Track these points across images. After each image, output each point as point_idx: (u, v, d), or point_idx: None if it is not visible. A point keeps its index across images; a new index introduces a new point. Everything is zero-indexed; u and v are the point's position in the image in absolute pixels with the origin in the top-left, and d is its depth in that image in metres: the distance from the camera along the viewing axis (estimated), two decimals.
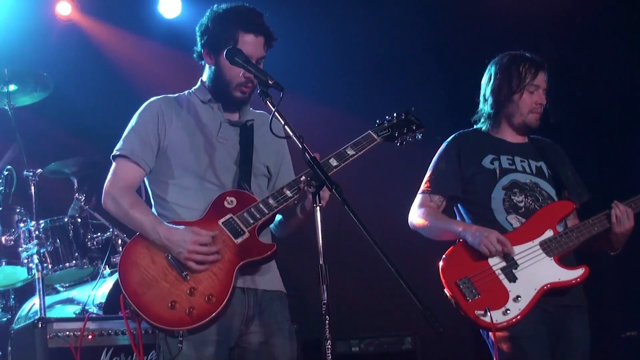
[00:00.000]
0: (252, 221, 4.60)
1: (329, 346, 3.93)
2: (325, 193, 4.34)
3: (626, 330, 7.94)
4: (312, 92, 9.08)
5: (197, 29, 4.91)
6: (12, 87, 7.59)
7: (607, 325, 8.21)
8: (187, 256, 4.43)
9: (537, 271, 5.35)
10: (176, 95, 4.98)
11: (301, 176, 4.64)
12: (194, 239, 4.44)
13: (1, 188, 7.27)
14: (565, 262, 5.42)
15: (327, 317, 3.94)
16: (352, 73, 9.63)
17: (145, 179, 4.83)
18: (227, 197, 4.67)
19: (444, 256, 5.48)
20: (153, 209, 4.80)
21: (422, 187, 5.77)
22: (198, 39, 4.90)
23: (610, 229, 5.49)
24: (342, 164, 4.73)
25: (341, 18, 9.50)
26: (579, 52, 8.79)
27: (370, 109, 9.20)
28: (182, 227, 4.52)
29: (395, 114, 5.04)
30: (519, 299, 5.26)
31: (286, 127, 4.29)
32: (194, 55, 4.95)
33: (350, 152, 4.79)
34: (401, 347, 8.05)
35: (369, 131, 4.93)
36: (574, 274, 5.38)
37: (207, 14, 4.88)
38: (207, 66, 4.92)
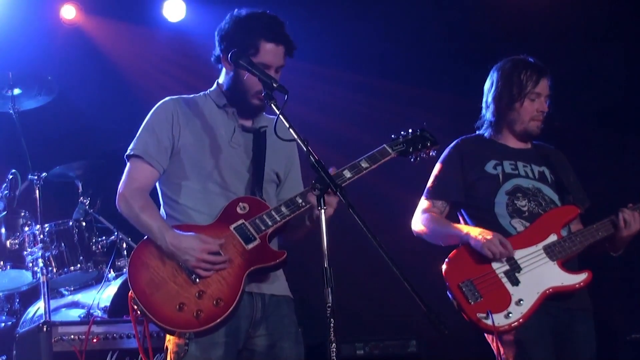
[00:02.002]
0: (263, 228, 4.61)
1: (334, 349, 3.93)
2: (333, 199, 4.36)
3: (632, 332, 7.92)
4: (312, 98, 9.08)
5: (216, 32, 4.88)
6: (16, 91, 7.60)
7: (613, 328, 8.19)
8: (195, 264, 4.44)
9: (540, 275, 5.36)
10: (192, 96, 4.97)
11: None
12: (202, 247, 4.44)
13: (6, 192, 7.29)
14: (568, 266, 5.42)
15: (331, 320, 3.94)
16: (354, 79, 9.62)
17: None
18: (240, 203, 4.68)
19: (447, 259, 5.49)
20: (162, 210, 4.80)
21: (425, 192, 5.78)
22: (217, 43, 4.87)
23: (617, 232, 5.49)
24: (356, 176, 4.75)
25: (345, 24, 9.50)
26: (583, 56, 8.79)
27: (372, 114, 9.22)
28: (190, 233, 4.52)
29: (410, 130, 5.06)
30: (522, 302, 5.26)
31: (291, 130, 4.29)
32: (212, 59, 4.93)
33: (364, 164, 4.81)
34: (406, 350, 8.05)
35: (384, 145, 4.94)
36: (577, 279, 5.38)
37: (228, 19, 4.85)
38: (224, 70, 4.91)
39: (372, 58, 9.65)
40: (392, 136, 5.03)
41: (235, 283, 4.48)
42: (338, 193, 4.10)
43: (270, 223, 4.62)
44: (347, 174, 4.73)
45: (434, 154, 5.14)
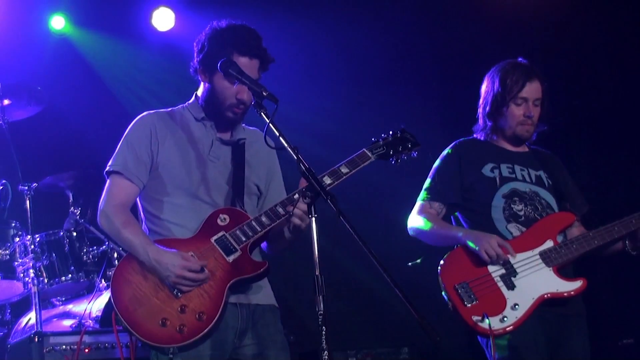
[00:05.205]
0: (244, 239, 4.60)
1: (326, 357, 3.93)
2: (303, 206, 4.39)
3: (623, 338, 7.94)
4: (305, 102, 9.09)
5: (194, 43, 4.89)
6: (6, 102, 7.57)
7: (604, 333, 8.21)
8: (175, 280, 4.44)
9: (535, 280, 5.37)
10: (169, 110, 4.96)
11: (294, 194, 4.64)
12: (182, 264, 4.44)
13: None
14: (563, 272, 5.44)
15: (323, 327, 3.95)
16: (345, 82, 9.63)
17: None
18: (221, 215, 4.67)
19: (443, 260, 5.50)
20: (144, 225, 4.80)
21: (422, 194, 5.78)
22: (195, 54, 4.87)
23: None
24: (336, 182, 4.73)
25: (336, 29, 9.52)
26: (578, 58, 8.82)
27: (364, 118, 9.23)
28: (172, 250, 4.51)
29: (390, 132, 5.04)
30: (517, 307, 5.28)
31: (281, 138, 4.29)
32: (191, 70, 4.92)
33: (344, 170, 4.79)
34: (398, 357, 8.06)
35: (364, 149, 4.92)
36: (572, 286, 5.40)
37: (206, 30, 4.84)
38: (202, 82, 4.91)
39: (359, 60, 9.67)
40: (372, 139, 5.01)
41: (218, 296, 4.48)
42: (329, 201, 4.10)
43: (250, 234, 4.61)
44: (327, 180, 4.71)
45: (415, 155, 5.11)
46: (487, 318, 5.22)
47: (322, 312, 3.96)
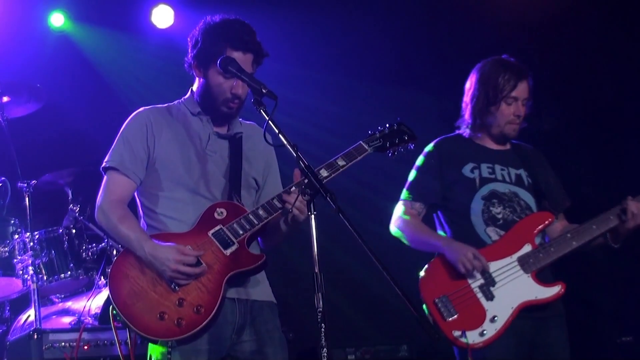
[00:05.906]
0: (241, 232, 4.60)
1: (325, 354, 3.93)
2: (302, 204, 4.41)
3: (621, 335, 7.94)
4: (303, 100, 9.10)
5: (188, 39, 4.90)
6: (5, 99, 7.58)
7: (603, 331, 8.22)
8: (170, 274, 4.44)
9: (514, 289, 5.38)
10: (166, 105, 4.97)
11: (291, 187, 4.64)
12: (178, 258, 4.43)
13: None
14: (542, 277, 5.45)
15: (322, 325, 3.95)
16: (344, 80, 9.64)
17: None
18: (218, 208, 4.67)
19: (423, 272, 5.51)
20: (142, 221, 4.80)
21: (404, 194, 5.78)
22: (189, 49, 4.88)
23: (622, 224, 5.48)
24: (333, 175, 4.73)
25: (334, 27, 9.52)
26: (572, 57, 8.82)
27: (361, 117, 9.23)
28: (169, 244, 4.51)
29: (387, 125, 5.04)
30: (496, 319, 5.31)
31: (280, 135, 4.28)
32: (185, 66, 4.92)
33: (341, 162, 4.79)
34: (397, 355, 8.06)
35: (360, 142, 4.92)
36: (550, 292, 5.40)
37: (200, 25, 4.85)
38: (196, 78, 4.92)
39: (357, 58, 9.68)
40: (369, 132, 5.01)
41: (215, 289, 4.48)
42: (328, 198, 4.10)
43: (248, 227, 4.61)
44: (324, 172, 4.71)
45: (412, 148, 5.10)
46: (465, 334, 5.24)
47: (321, 310, 3.96)
